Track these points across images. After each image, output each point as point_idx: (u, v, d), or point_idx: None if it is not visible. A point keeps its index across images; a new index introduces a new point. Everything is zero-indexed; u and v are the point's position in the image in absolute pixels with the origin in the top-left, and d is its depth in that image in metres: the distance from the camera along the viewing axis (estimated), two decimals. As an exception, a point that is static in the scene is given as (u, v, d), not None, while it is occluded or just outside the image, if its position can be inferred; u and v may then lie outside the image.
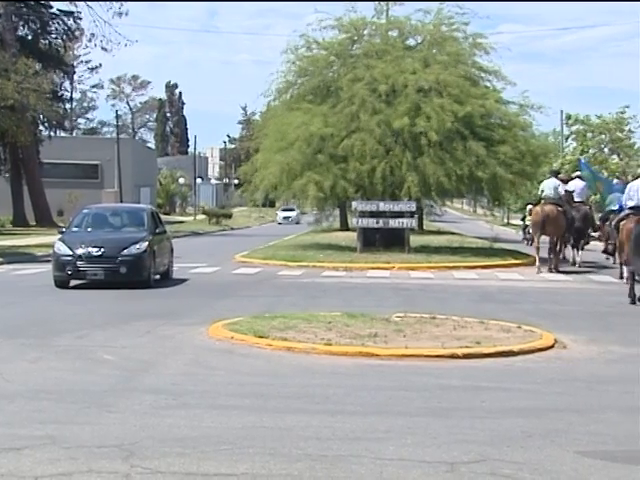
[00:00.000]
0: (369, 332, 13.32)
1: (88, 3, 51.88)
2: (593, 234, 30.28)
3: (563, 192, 27.56)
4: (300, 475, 6.73)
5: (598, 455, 7.47)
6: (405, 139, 32.49)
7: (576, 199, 28.79)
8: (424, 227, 51.40)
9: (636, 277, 18.67)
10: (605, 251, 28.68)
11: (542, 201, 27.08)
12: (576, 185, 29.78)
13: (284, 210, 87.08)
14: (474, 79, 35.27)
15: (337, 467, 6.94)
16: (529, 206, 41.07)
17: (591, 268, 28.26)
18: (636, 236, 18.29)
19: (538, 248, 26.92)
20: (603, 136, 63.54)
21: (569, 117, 64.72)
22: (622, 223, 20.33)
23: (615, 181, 31.89)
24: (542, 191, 27.44)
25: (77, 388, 9.80)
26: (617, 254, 23.69)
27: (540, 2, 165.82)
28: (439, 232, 49.66)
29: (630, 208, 20.24)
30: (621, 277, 22.72)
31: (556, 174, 29.31)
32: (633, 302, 18.40)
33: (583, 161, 36.43)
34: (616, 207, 25.92)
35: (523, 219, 45.34)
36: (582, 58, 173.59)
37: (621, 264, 22.95)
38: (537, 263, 26.86)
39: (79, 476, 6.63)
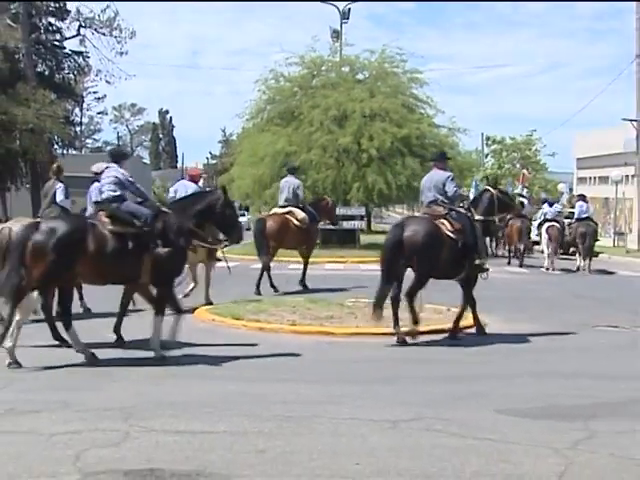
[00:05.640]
0: (327, 315, 13.33)
1: (95, 44, 51.79)
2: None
3: None
4: (270, 432, 6.71)
5: (511, 412, 7.53)
6: (353, 154, 32.67)
7: None
8: (372, 228, 51.48)
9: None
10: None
11: None
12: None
13: None
14: (411, 107, 35.43)
15: (301, 425, 6.94)
16: None
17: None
18: (584, 233, 24.98)
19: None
20: (515, 154, 63.88)
21: (488, 138, 64.96)
22: (573, 226, 25.95)
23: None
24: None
25: (85, 361, 9.72)
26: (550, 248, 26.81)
27: (458, 45, 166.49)
28: (384, 232, 49.61)
29: (577, 220, 25.91)
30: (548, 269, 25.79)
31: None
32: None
33: (476, 181, 36.39)
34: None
35: None
36: (496, 91, 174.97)
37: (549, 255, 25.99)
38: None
39: (88, 433, 6.58)
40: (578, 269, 25.64)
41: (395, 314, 11.68)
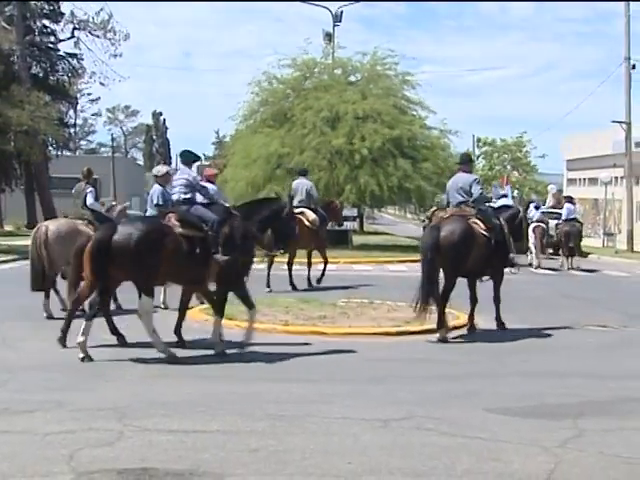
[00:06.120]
0: (319, 315, 13.32)
1: (89, 47, 51.86)
2: None
3: None
4: (263, 431, 6.72)
5: (501, 411, 7.56)
6: (345, 156, 32.63)
7: None
8: (364, 229, 51.46)
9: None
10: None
11: None
12: None
13: None
14: (403, 108, 35.42)
15: (293, 424, 6.95)
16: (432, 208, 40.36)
17: None
18: (568, 232, 26.06)
19: None
20: (506, 155, 64.20)
21: (479, 140, 65.27)
22: (560, 226, 26.84)
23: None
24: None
25: (80, 362, 9.70)
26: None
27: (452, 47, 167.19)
28: (376, 233, 49.71)
29: (564, 221, 26.63)
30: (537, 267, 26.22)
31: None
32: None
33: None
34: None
35: (424, 220, 43.96)
36: (487, 93, 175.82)
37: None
38: None
39: (81, 433, 6.58)
40: (562, 265, 26.59)
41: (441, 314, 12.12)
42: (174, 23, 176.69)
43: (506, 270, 13.43)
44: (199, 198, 11.05)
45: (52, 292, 13.88)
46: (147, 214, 12.64)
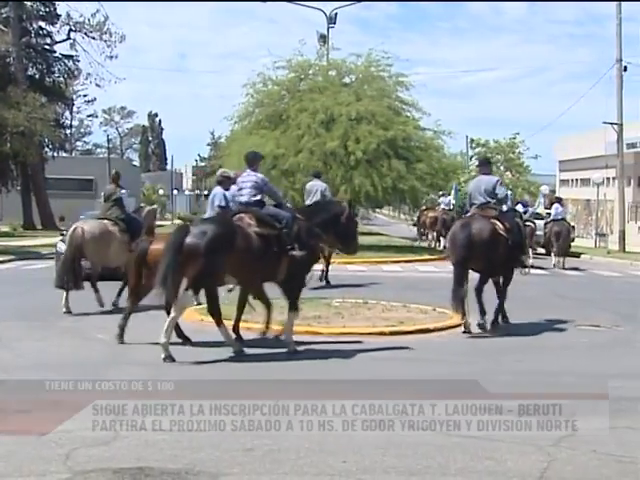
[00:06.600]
0: (314, 314, 13.31)
1: (85, 48, 51.88)
2: None
3: None
4: (258, 431, 6.71)
5: (495, 410, 7.54)
6: (340, 157, 32.62)
7: None
8: (359, 229, 51.29)
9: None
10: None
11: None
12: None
13: None
14: (397, 110, 35.39)
15: (288, 424, 6.92)
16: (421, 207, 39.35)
17: None
18: (558, 232, 26.48)
19: None
20: (499, 156, 64.05)
21: (472, 141, 65.11)
22: (549, 226, 27.31)
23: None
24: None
25: (76, 362, 9.70)
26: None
27: (446, 49, 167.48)
28: (370, 233, 49.59)
29: (553, 220, 27.10)
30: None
31: None
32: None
33: (456, 186, 35.35)
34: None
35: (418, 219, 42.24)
36: (480, 94, 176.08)
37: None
38: None
39: (78, 432, 6.57)
40: (554, 266, 26.66)
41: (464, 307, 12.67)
42: (169, 25, 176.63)
43: (516, 271, 13.77)
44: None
45: (60, 291, 14.45)
46: (206, 216, 12.95)
